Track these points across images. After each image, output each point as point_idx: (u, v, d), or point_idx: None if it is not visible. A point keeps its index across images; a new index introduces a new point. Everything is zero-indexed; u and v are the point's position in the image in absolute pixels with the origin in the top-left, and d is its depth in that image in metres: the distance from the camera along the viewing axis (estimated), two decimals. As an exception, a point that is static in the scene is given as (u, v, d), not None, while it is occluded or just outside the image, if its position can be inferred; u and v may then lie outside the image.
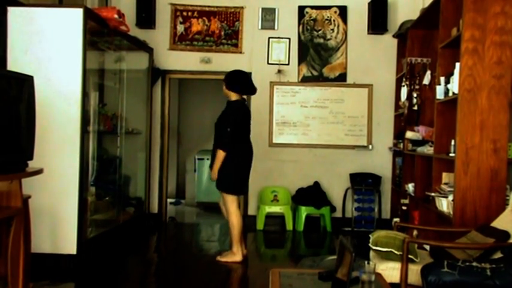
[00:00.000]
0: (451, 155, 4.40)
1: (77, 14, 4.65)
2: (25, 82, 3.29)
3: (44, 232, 4.59)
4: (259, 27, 7.16)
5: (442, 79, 4.75)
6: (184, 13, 7.18)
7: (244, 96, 5.29)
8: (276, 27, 7.16)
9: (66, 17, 4.65)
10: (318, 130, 7.17)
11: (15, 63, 4.50)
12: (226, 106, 5.15)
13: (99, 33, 5.34)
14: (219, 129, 5.04)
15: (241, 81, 5.19)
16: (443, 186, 4.69)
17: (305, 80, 7.18)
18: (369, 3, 7.00)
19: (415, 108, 5.94)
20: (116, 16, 5.25)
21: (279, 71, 7.14)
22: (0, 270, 3.12)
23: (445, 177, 4.76)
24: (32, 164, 3.37)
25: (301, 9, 7.16)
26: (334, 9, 7.14)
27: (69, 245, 4.63)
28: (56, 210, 4.61)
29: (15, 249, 3.14)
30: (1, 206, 3.14)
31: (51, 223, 4.63)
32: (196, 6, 7.17)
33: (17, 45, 4.61)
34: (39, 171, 3.36)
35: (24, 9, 4.68)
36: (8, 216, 3.11)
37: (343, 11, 7.14)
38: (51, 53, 4.62)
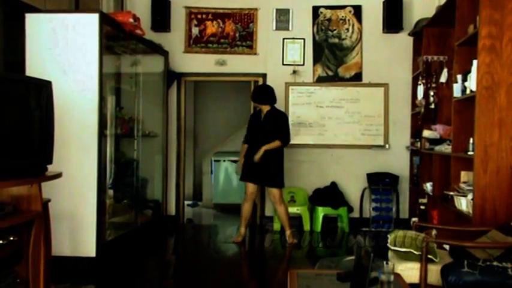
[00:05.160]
0: (470, 153, 4.35)
1: (93, 18, 4.68)
2: (43, 87, 3.33)
3: (64, 235, 4.63)
4: (274, 28, 7.17)
5: (459, 77, 4.70)
6: (199, 16, 7.21)
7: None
8: (290, 28, 7.16)
9: (82, 22, 4.70)
10: (334, 130, 7.14)
11: (33, 68, 4.55)
12: (280, 113, 6.17)
13: (115, 38, 5.38)
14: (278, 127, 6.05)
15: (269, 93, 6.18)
16: (462, 185, 4.64)
17: (320, 80, 7.16)
18: (383, 2, 6.97)
19: (432, 106, 5.89)
20: (131, 20, 5.29)
21: (294, 72, 7.13)
22: (21, 273, 3.15)
23: (464, 175, 4.72)
24: (51, 168, 3.40)
25: (316, 9, 7.14)
26: (349, 8, 7.12)
27: (88, 247, 4.67)
28: (75, 213, 4.66)
29: (35, 252, 3.18)
30: (22, 210, 3.18)
31: (71, 226, 4.67)
32: (211, 8, 7.19)
33: (35, 51, 4.66)
34: (58, 175, 3.39)
35: (41, 15, 4.73)
36: (29, 220, 3.14)
37: (357, 10, 7.11)
38: (68, 57, 4.67)
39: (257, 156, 5.95)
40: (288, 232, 6.16)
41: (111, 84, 5.78)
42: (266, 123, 6.06)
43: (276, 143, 5.99)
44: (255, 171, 6.06)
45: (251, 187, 6.15)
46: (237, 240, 6.14)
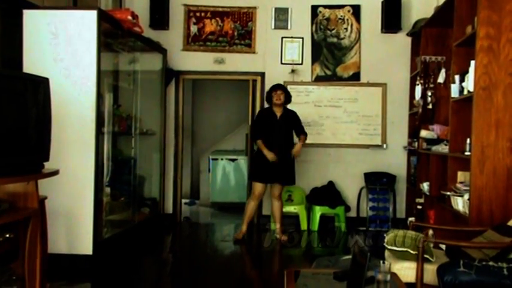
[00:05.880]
0: (467, 153, 4.36)
1: (91, 15, 4.68)
2: (41, 84, 3.32)
3: (60, 233, 4.63)
4: (273, 27, 7.16)
5: (457, 77, 4.71)
6: (198, 14, 7.20)
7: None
8: (289, 27, 7.16)
9: (80, 19, 4.69)
10: (332, 130, 7.15)
11: (30, 65, 4.54)
12: (292, 111, 6.29)
13: (113, 35, 5.37)
14: (298, 124, 6.26)
15: None
16: (458, 185, 4.65)
17: (319, 80, 7.16)
18: (382, 2, 6.97)
19: (430, 106, 5.90)
20: (129, 17, 5.28)
21: (293, 71, 7.13)
22: (17, 270, 3.14)
23: (461, 176, 4.72)
24: (48, 165, 3.40)
25: (314, 8, 7.14)
26: (348, 8, 7.12)
27: (85, 245, 4.67)
28: (72, 211, 4.65)
29: (32, 250, 3.17)
30: (18, 207, 3.17)
31: (67, 224, 4.67)
32: (210, 6, 7.18)
33: (33, 48, 4.65)
34: (55, 173, 3.38)
35: (39, 12, 4.72)
36: (25, 217, 3.14)
37: (356, 9, 7.11)
38: (66, 54, 4.66)
39: (297, 150, 6.11)
40: (278, 226, 6.27)
41: (109, 81, 5.77)
42: (283, 122, 6.14)
43: (303, 138, 6.21)
44: (276, 171, 6.06)
45: (261, 187, 6.14)
46: (237, 236, 6.15)
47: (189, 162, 9.35)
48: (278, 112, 6.15)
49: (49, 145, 3.37)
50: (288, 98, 6.21)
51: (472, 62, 4.25)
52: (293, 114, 6.27)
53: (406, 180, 7.04)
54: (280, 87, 6.20)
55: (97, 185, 4.75)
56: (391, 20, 6.93)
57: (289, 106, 6.87)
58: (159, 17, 6.99)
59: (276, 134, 6.08)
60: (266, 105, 6.51)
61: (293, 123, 6.22)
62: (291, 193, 7.03)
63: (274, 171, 6.05)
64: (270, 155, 5.97)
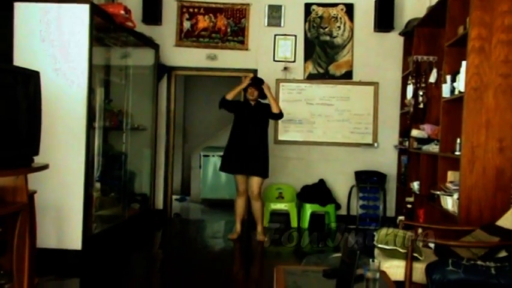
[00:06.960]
0: (457, 153, 4.38)
1: (84, 9, 4.65)
2: (31, 78, 3.30)
3: (50, 227, 4.60)
4: (266, 24, 7.16)
5: (448, 77, 4.73)
6: (191, 9, 7.18)
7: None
8: (282, 25, 7.16)
9: (72, 13, 4.66)
10: (324, 128, 7.16)
11: (21, 58, 4.50)
12: (263, 103, 6.10)
13: (106, 29, 5.35)
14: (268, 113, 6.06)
15: None
16: (448, 185, 4.67)
17: (311, 78, 7.17)
18: (375, 1, 6.98)
19: (421, 106, 5.92)
20: (122, 12, 5.26)
21: (285, 68, 7.13)
22: (6, 265, 3.13)
23: (451, 175, 4.75)
24: (38, 160, 3.38)
25: (308, 6, 7.15)
26: (341, 6, 7.13)
27: (74, 240, 4.65)
28: (62, 205, 4.63)
29: (20, 244, 3.15)
30: (7, 201, 3.15)
31: (57, 218, 4.65)
32: (203, 2, 7.17)
33: (24, 41, 4.62)
34: (44, 167, 3.37)
35: (30, 5, 4.68)
36: (14, 211, 3.12)
37: (349, 8, 7.12)
38: (57, 48, 4.63)
39: (267, 87, 6.00)
40: (259, 228, 6.13)
41: (101, 76, 5.74)
42: (257, 110, 6.02)
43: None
44: (242, 159, 5.93)
45: (241, 182, 6.07)
46: (232, 237, 6.09)
47: (180, 159, 9.34)
48: (252, 102, 6.05)
49: (39, 139, 3.35)
50: (261, 95, 6.03)
51: (464, 63, 4.27)
52: (266, 104, 6.09)
53: (397, 179, 7.07)
54: (254, 84, 6.00)
55: (87, 180, 4.72)
56: (383, 19, 6.94)
57: (281, 103, 6.88)
58: (152, 12, 6.97)
59: (251, 122, 5.98)
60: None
61: (267, 111, 6.01)
62: (282, 191, 7.04)
63: (245, 159, 5.92)
64: (245, 81, 6.06)
